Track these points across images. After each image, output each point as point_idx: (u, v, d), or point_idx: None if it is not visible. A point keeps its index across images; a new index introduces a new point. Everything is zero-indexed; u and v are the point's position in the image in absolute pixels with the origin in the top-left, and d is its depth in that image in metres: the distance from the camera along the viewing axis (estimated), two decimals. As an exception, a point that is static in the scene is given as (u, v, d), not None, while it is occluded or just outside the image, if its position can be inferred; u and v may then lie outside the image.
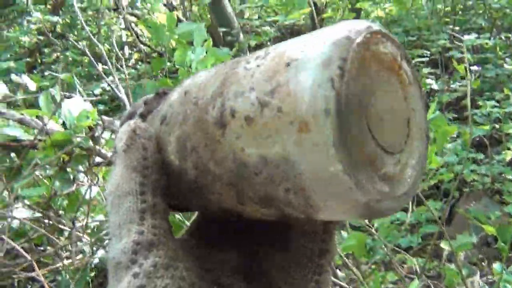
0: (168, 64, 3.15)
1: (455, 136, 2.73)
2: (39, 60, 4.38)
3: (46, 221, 1.43)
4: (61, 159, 1.42)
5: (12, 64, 2.70)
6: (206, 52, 2.41)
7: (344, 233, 2.06)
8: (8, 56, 3.53)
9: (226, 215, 0.36)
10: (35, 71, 3.95)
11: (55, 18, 3.09)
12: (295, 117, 0.27)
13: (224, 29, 3.53)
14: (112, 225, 0.33)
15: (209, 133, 0.32)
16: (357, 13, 3.81)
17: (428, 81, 3.65)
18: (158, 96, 0.42)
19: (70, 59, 4.18)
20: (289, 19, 2.30)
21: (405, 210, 1.88)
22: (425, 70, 3.46)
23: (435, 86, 3.58)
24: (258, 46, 5.37)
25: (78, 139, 1.37)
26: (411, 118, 0.32)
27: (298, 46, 0.30)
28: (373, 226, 1.70)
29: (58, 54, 4.12)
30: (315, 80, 0.27)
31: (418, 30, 4.30)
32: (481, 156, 2.97)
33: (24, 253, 1.21)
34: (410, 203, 1.65)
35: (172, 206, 0.38)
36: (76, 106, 1.59)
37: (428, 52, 3.93)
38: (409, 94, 0.32)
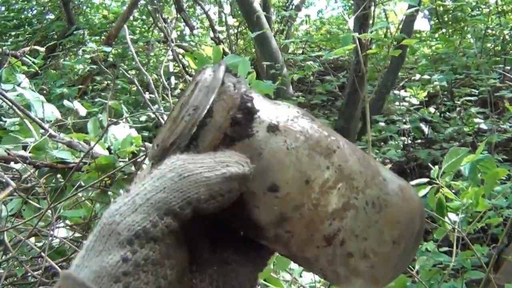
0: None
1: (504, 178, 2.60)
2: (91, 87, 4.59)
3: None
4: (104, 182, 1.46)
5: (65, 90, 2.84)
6: (250, 84, 2.45)
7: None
8: (63, 82, 3.72)
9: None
10: (86, 97, 4.13)
11: (108, 49, 3.25)
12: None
13: (268, 63, 3.58)
14: (142, 191, 0.32)
15: (314, 236, 0.39)
16: (403, 50, 3.79)
17: (477, 120, 3.54)
18: (247, 113, 0.39)
19: (119, 87, 4.35)
20: (334, 55, 2.31)
21: (449, 253, 1.78)
22: (474, 110, 3.35)
23: (483, 126, 3.46)
24: (301, 81, 5.41)
25: (121, 164, 1.40)
26: None
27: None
28: (414, 268, 1.63)
29: (109, 82, 4.30)
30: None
31: (467, 68, 4.21)
32: (533, 200, 2.80)
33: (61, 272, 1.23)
34: (454, 245, 1.57)
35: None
36: (122, 132, 1.65)
37: (477, 91, 3.83)
38: None
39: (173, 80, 6.24)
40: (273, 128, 0.39)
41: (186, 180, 0.33)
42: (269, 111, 0.40)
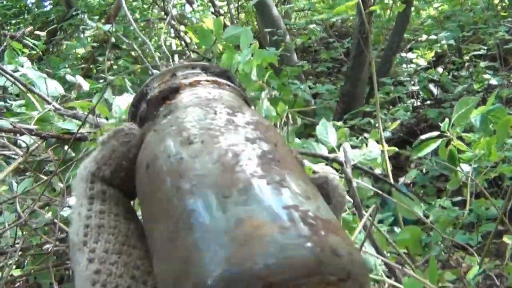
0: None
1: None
2: (95, 70, 4.58)
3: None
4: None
5: (68, 70, 2.84)
6: (252, 55, 2.41)
7: (397, 230, 1.97)
8: (66, 65, 3.72)
9: None
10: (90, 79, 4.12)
11: (107, 27, 3.23)
12: None
13: (269, 30, 3.53)
14: (73, 205, 0.35)
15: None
16: (407, 9, 3.70)
17: (486, 76, 3.47)
18: (162, 100, 0.37)
19: (122, 66, 4.34)
20: (336, 13, 2.27)
21: (462, 203, 1.78)
22: (482, 64, 3.28)
23: (494, 82, 3.39)
24: (306, 48, 5.34)
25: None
26: None
27: None
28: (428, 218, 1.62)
29: (112, 62, 4.29)
30: None
31: (474, 24, 4.11)
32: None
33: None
34: (468, 194, 1.56)
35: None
36: (125, 102, 1.64)
37: (485, 47, 3.75)
38: None
39: (176, 58, 6.19)
40: (165, 114, 0.36)
41: (80, 170, 0.35)
42: (188, 99, 0.36)
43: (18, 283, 2.18)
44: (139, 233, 0.34)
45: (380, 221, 2.13)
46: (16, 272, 1.62)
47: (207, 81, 0.38)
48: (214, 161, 0.29)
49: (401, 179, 3.55)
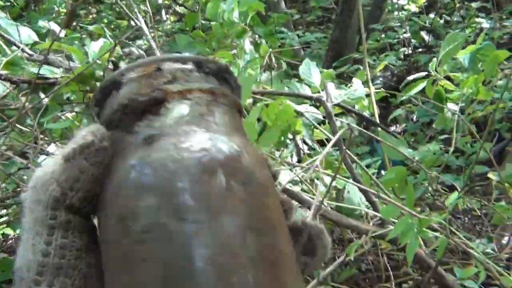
0: (203, 22, 3.07)
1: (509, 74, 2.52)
2: (78, 27, 4.45)
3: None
4: (89, 97, 1.42)
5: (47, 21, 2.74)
6: (238, 2, 2.32)
7: (384, 172, 1.96)
8: (46, 20, 3.59)
9: None
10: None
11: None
12: None
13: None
14: (25, 226, 0.29)
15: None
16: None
17: (478, 20, 3.39)
18: (142, 113, 0.31)
19: (105, 20, 4.22)
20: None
21: (448, 142, 1.76)
22: (474, 5, 3.19)
23: (486, 25, 3.31)
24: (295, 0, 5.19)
25: (101, 73, 1.35)
26: None
27: None
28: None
29: (94, 16, 4.16)
30: None
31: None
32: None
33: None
34: (454, 131, 1.53)
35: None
36: (100, 46, 1.58)
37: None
38: None
39: (163, 13, 6.01)
40: (149, 141, 0.29)
41: (37, 188, 0.29)
42: (170, 128, 0.30)
43: (11, 241, 2.18)
44: (101, 268, 0.30)
45: (368, 166, 2.12)
46: (7, 230, 1.61)
47: (201, 90, 0.31)
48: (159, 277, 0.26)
49: (392, 128, 3.54)
